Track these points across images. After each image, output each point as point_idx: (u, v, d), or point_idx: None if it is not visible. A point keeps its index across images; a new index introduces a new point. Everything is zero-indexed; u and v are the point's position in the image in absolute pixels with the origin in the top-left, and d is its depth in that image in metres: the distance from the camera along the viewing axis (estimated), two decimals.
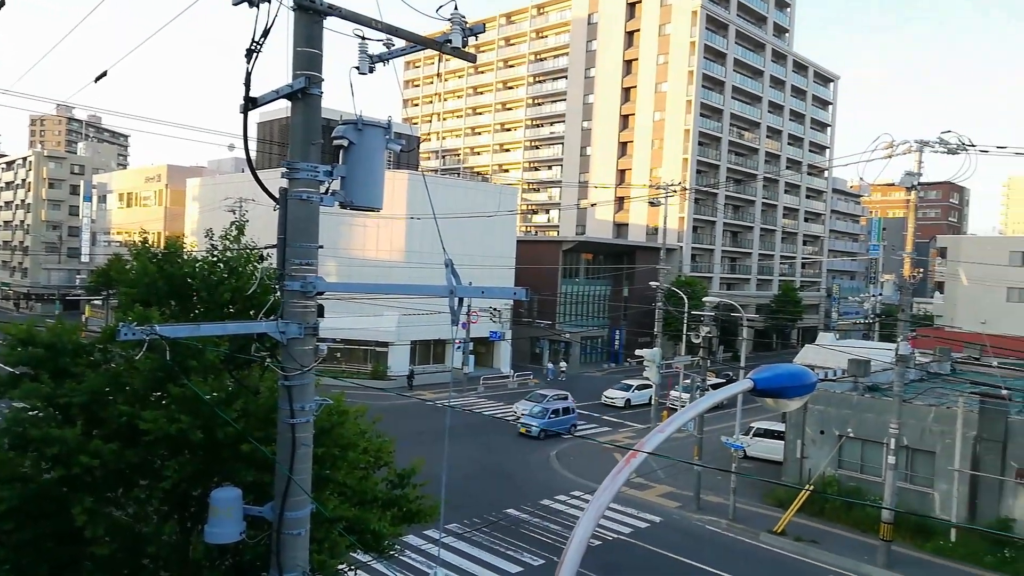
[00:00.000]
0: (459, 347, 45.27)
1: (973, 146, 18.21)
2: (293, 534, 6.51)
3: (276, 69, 6.63)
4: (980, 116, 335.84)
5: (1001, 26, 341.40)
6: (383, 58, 6.53)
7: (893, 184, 21.03)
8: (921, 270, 26.21)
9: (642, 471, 27.85)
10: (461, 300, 5.94)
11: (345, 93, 6.75)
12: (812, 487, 24.52)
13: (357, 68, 6.45)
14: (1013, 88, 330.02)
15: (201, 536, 7.95)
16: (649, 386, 42.88)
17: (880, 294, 72.36)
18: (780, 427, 29.57)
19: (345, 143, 6.20)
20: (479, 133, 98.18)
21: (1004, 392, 24.13)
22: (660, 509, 24.92)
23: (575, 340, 57.57)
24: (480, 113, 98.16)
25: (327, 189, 6.31)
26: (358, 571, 11.69)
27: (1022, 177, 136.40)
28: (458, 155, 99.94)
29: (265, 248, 7.47)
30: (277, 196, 6.30)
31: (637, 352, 37.39)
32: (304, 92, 6.20)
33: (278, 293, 6.46)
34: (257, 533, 7.73)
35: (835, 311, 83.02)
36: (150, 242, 10.78)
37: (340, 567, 9.69)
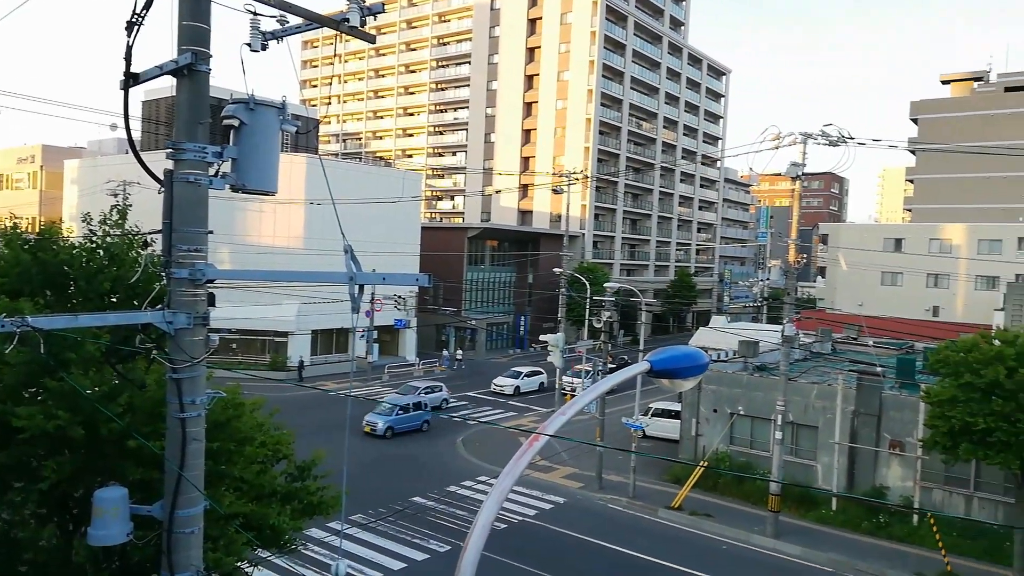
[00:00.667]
0: (362, 336, 44.51)
1: (852, 139, 19.40)
2: (185, 533, 6.21)
3: (164, 43, 6.26)
4: (860, 109, 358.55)
5: (880, 26, 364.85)
6: (276, 35, 6.25)
7: (780, 174, 22.14)
8: (805, 256, 27.73)
9: (547, 454, 28.32)
10: (362, 287, 5.80)
11: (238, 69, 6.45)
12: (706, 463, 25.65)
13: (248, 45, 6.16)
14: (891, 80, 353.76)
15: (84, 539, 7.49)
16: (539, 373, 43.58)
17: (768, 279, 76.29)
18: (677, 407, 30.72)
19: (236, 123, 5.92)
20: (381, 117, 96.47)
21: (879, 369, 25.98)
22: (564, 490, 25.44)
23: (481, 327, 57.76)
24: (382, 96, 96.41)
25: (217, 171, 6.01)
26: (258, 567, 11.35)
27: (896, 169, 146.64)
28: (360, 139, 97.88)
29: (150, 234, 7.07)
30: (162, 178, 5.95)
31: (542, 337, 37.91)
32: (191, 68, 5.87)
33: (164, 281, 6.12)
34: (146, 533, 7.34)
35: (727, 295, 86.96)
36: (22, 228, 10.00)
37: (237, 564, 9.37)
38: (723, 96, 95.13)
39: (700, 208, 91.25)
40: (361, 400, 34.83)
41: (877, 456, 23.79)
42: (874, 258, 55.38)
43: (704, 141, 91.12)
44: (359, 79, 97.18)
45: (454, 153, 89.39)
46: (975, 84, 70.07)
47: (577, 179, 36.67)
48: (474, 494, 24.16)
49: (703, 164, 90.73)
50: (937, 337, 27.57)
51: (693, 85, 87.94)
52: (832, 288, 60.51)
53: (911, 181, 71.23)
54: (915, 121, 69.00)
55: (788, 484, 22.73)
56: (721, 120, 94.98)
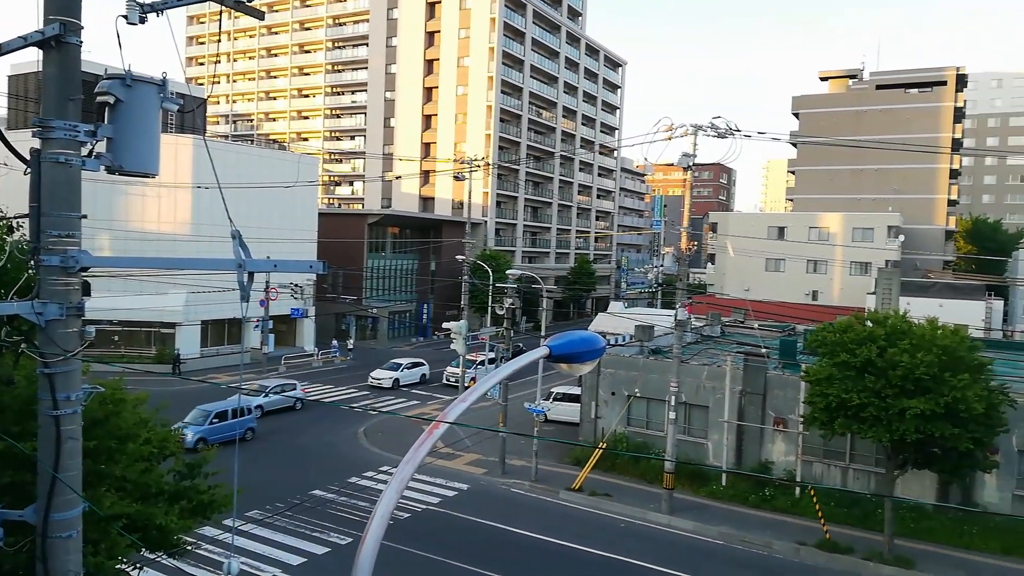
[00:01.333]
0: (257, 326, 42.96)
1: (739, 131, 20.28)
2: (62, 537, 5.80)
3: (33, 13, 5.75)
4: (755, 101, 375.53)
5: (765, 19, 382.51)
6: (156, 8, 5.86)
7: (672, 164, 22.88)
8: (695, 243, 28.84)
9: (450, 441, 28.33)
10: (251, 275, 5.56)
11: (127, 47, 6.03)
12: (605, 445, 26.36)
13: (125, 17, 5.75)
14: (789, 72, 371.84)
15: None
16: (421, 364, 42.37)
17: (662, 265, 79.11)
18: (577, 391, 31.40)
19: (111, 100, 5.52)
20: (275, 98, 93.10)
21: (763, 351, 27.41)
22: (468, 476, 25.54)
23: (383, 315, 56.98)
24: (275, 77, 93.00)
25: (90, 151, 5.60)
26: (145, 569, 10.78)
27: (779, 160, 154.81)
28: (251, 121, 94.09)
29: (15, 218, 6.51)
30: (29, 159, 5.49)
31: (444, 325, 37.82)
32: (59, 40, 5.42)
33: (33, 269, 5.66)
34: (19, 539, 6.82)
35: (624, 281, 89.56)
36: None
37: (120, 567, 8.86)
38: (619, 87, 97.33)
39: (598, 197, 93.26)
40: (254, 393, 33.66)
41: (763, 433, 25.14)
42: (759, 245, 58.31)
43: (602, 131, 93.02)
44: (250, 58, 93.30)
45: (352, 137, 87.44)
46: (850, 81, 74.69)
47: (478, 166, 36.70)
48: (376, 484, 23.87)
49: (601, 154, 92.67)
50: (816, 319, 29.38)
51: (591, 75, 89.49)
52: (721, 274, 63.33)
53: (792, 172, 75.29)
54: (796, 115, 72.91)
55: (681, 462, 23.69)
56: (618, 111, 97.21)
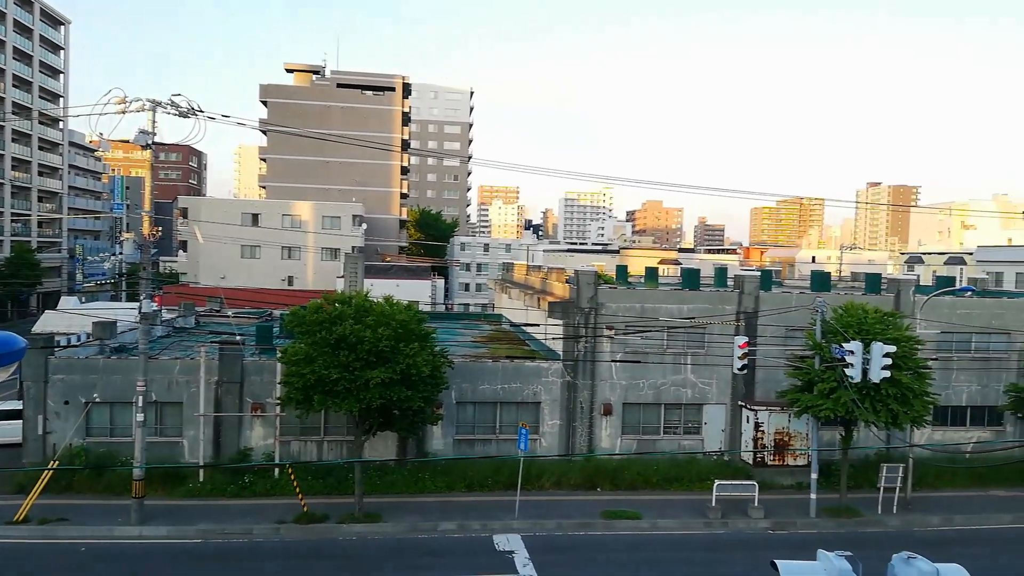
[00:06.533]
0: None
1: (202, 111, 19.40)
2: None
3: None
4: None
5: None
6: None
7: (129, 141, 20.79)
8: (160, 229, 26.88)
9: None
10: None
11: None
12: (57, 463, 22.69)
13: None
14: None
15: None
16: None
17: (121, 253, 71.58)
18: (18, 405, 26.31)
19: None
20: None
21: (239, 338, 27.07)
22: None
23: None
24: None
25: None
26: None
27: (251, 147, 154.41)
28: None
29: None
30: None
31: None
32: None
33: None
34: None
35: (79, 273, 78.33)
36: None
37: None
38: (63, 48, 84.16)
39: (41, 174, 79.45)
40: None
41: (241, 420, 24.87)
42: (234, 232, 57.46)
43: (41, 97, 79.26)
44: None
45: None
46: (314, 76, 78.68)
47: None
48: None
49: (43, 124, 78.95)
50: (292, 303, 30.29)
51: (24, 31, 75.29)
52: (195, 262, 60.43)
53: (264, 160, 76.07)
54: (265, 103, 73.69)
55: (151, 466, 21.88)
56: (62, 75, 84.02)
